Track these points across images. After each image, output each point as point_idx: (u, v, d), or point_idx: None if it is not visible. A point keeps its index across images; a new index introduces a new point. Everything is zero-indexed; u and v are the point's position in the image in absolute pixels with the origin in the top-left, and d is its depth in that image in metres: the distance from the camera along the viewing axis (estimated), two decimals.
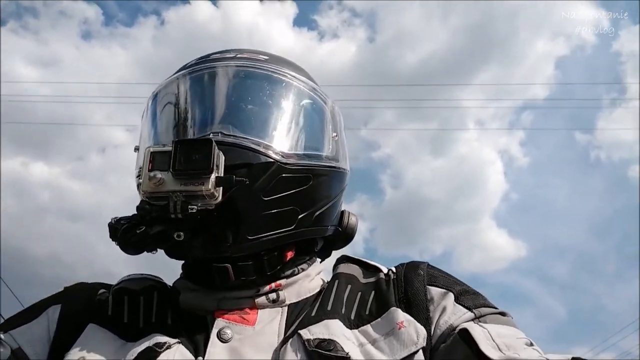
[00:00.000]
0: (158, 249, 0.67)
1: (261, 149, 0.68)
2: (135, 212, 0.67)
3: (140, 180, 0.62)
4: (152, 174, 0.61)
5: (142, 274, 0.76)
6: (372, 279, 0.72)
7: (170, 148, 0.62)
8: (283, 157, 0.69)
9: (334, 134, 0.80)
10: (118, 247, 0.63)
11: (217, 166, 0.61)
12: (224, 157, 0.62)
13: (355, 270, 0.74)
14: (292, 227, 0.69)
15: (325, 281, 0.75)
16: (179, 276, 0.76)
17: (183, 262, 0.77)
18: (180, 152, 0.61)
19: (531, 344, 0.61)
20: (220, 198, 0.61)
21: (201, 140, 0.64)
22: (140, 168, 0.72)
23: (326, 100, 0.81)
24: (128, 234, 0.62)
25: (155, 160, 0.62)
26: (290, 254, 0.74)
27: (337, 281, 0.71)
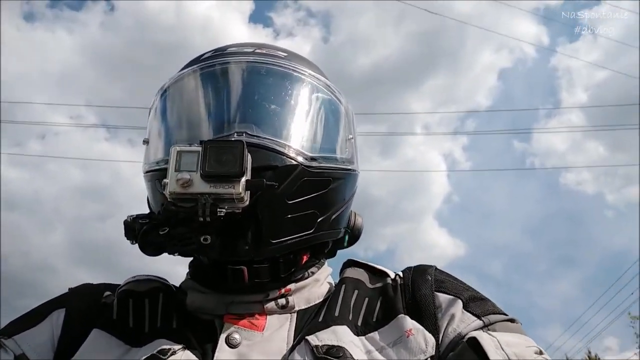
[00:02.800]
0: (179, 252, 0.65)
1: (286, 151, 0.66)
2: (150, 211, 0.64)
3: (167, 180, 0.59)
4: (179, 175, 0.58)
5: (147, 275, 0.74)
6: (379, 284, 0.71)
7: (198, 148, 0.60)
8: (306, 159, 0.68)
9: (350, 136, 0.79)
10: (137, 246, 0.61)
11: (246, 169, 0.59)
12: (250, 159, 0.61)
13: (362, 274, 0.73)
14: (312, 230, 0.68)
15: (333, 285, 0.74)
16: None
17: (190, 261, 0.75)
18: (210, 153, 0.59)
19: (541, 352, 0.60)
20: (248, 201, 0.60)
21: (232, 141, 0.62)
22: (154, 163, 0.71)
23: (342, 99, 0.80)
24: (150, 234, 0.60)
25: (182, 160, 0.59)
26: (305, 258, 0.73)
27: (344, 286, 0.70)
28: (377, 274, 0.74)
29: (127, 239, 0.62)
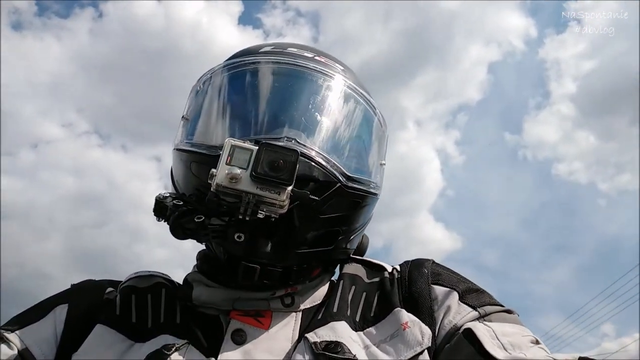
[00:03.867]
0: (208, 241, 0.65)
1: (329, 167, 0.67)
2: (180, 192, 0.64)
3: (215, 171, 0.59)
4: (230, 169, 0.59)
5: (149, 271, 0.74)
6: (376, 279, 0.72)
7: (252, 147, 0.60)
8: (345, 178, 0.68)
9: (383, 162, 0.80)
10: (169, 229, 0.61)
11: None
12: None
13: (359, 269, 0.74)
14: (330, 247, 0.70)
15: (334, 281, 0.75)
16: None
17: (199, 252, 0.76)
18: (265, 156, 0.59)
19: (537, 342, 0.61)
20: (286, 209, 0.60)
21: (288, 149, 0.61)
22: (196, 146, 0.70)
23: (384, 125, 0.81)
24: (183, 219, 0.60)
25: (235, 155, 0.60)
26: (317, 272, 0.74)
27: (342, 282, 0.71)
28: (374, 268, 0.74)
29: (156, 216, 0.62)
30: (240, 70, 0.75)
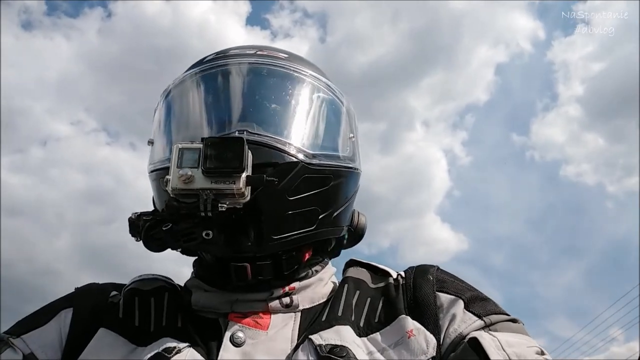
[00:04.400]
0: (182, 247, 0.66)
1: (286, 148, 0.67)
2: (154, 209, 0.64)
3: (169, 177, 0.60)
4: (181, 171, 0.59)
5: (153, 275, 0.75)
6: (381, 284, 0.71)
7: (199, 145, 0.61)
8: (307, 157, 0.68)
9: (351, 135, 0.79)
10: (142, 243, 0.62)
11: (247, 165, 0.60)
12: (251, 156, 0.62)
13: (364, 274, 0.74)
14: (313, 227, 0.69)
15: (337, 284, 0.74)
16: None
17: (194, 260, 0.76)
18: (211, 150, 0.60)
19: (542, 353, 0.60)
20: (248, 197, 0.61)
21: (232, 138, 0.63)
22: (159, 162, 0.72)
23: (342, 99, 0.81)
24: (153, 230, 0.61)
25: (184, 157, 0.61)
26: (308, 255, 0.74)
27: (346, 286, 0.71)
28: (379, 273, 0.74)
29: (132, 236, 0.63)
30: (185, 84, 0.77)
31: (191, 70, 0.78)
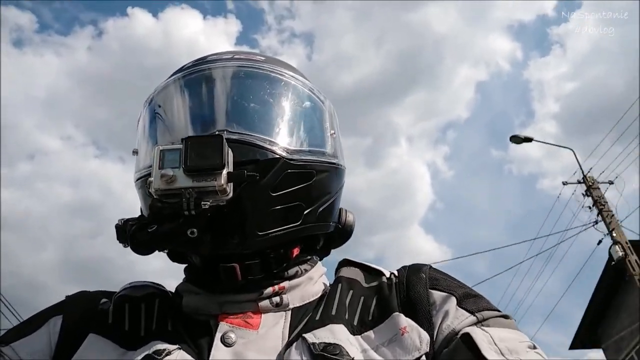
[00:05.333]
0: (168, 248, 0.66)
1: (267, 145, 0.67)
2: (140, 214, 0.64)
3: (151, 179, 0.60)
4: (163, 171, 0.60)
5: (143, 282, 0.75)
6: (374, 283, 0.72)
7: (180, 145, 0.61)
8: (288, 153, 0.69)
9: (332, 132, 0.80)
10: (130, 248, 0.62)
11: (228, 162, 0.61)
12: (232, 154, 0.62)
13: (357, 274, 0.74)
14: (299, 222, 0.69)
15: (328, 285, 0.75)
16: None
17: (185, 266, 0.76)
18: (191, 149, 0.60)
19: (534, 347, 0.61)
20: (231, 194, 0.61)
21: (211, 136, 0.64)
22: (143, 169, 0.72)
23: (321, 97, 0.82)
24: (139, 233, 0.61)
25: (165, 158, 0.61)
26: (296, 251, 0.74)
27: (339, 285, 0.71)
28: (372, 273, 0.74)
29: (120, 242, 0.63)
30: (166, 91, 0.77)
31: (170, 78, 0.79)
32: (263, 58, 0.81)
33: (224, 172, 0.60)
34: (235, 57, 0.79)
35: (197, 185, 0.59)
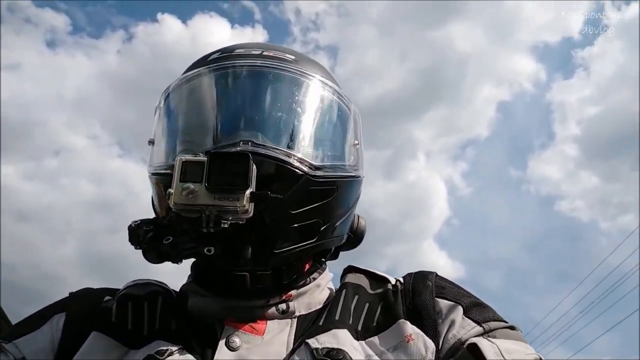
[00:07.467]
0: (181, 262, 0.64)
1: (291, 161, 0.66)
2: (155, 216, 0.65)
3: (171, 190, 0.59)
4: (184, 185, 0.58)
5: (147, 280, 0.74)
6: (379, 290, 0.71)
7: (203, 159, 0.60)
8: (311, 169, 0.67)
9: (356, 142, 0.78)
10: (141, 252, 0.61)
11: (251, 181, 0.59)
12: (255, 169, 0.61)
13: (362, 280, 0.73)
14: (315, 239, 0.68)
15: (334, 290, 0.74)
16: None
17: (193, 263, 0.75)
18: (215, 165, 0.59)
19: None
20: (251, 213, 0.60)
21: (238, 154, 0.62)
22: (159, 165, 0.71)
23: (350, 106, 0.79)
24: (155, 242, 0.60)
25: (187, 171, 0.59)
26: (308, 265, 0.73)
27: (344, 291, 0.70)
28: (377, 279, 0.74)
29: (131, 244, 0.62)
30: (189, 85, 0.75)
31: (194, 70, 0.75)
32: (293, 57, 0.77)
33: (247, 192, 0.58)
34: (264, 53, 0.76)
35: (219, 203, 0.58)
